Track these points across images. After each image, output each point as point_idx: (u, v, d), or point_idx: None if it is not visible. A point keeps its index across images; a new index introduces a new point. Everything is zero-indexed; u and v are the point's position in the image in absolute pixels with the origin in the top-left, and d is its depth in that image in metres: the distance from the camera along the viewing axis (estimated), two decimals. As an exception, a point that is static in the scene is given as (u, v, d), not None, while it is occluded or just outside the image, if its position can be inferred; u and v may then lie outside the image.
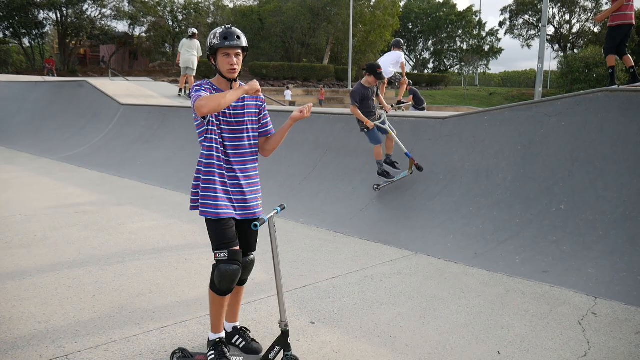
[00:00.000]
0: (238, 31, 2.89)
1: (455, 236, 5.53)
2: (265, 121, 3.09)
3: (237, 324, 3.26)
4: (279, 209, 3.03)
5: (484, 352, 3.22)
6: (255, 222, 2.85)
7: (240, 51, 2.88)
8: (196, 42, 13.95)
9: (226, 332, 3.23)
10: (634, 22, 7.66)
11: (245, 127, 2.97)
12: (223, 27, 2.89)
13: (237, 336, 3.19)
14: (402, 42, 10.73)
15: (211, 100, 2.68)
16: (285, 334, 2.86)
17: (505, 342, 3.36)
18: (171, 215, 6.62)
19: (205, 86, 2.88)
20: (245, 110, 2.97)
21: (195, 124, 2.97)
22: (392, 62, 10.03)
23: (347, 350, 3.21)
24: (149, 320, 3.57)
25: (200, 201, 2.93)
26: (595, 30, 55.72)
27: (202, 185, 2.92)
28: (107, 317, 3.58)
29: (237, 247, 2.92)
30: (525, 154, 5.94)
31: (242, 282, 3.15)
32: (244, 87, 2.83)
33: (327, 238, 5.75)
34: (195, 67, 14.07)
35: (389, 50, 10.43)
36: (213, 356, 2.90)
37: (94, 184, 8.70)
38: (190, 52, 13.84)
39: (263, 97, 3.09)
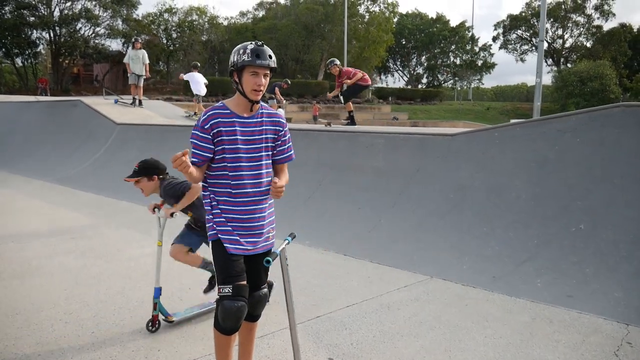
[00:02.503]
0: (270, 50, 2.65)
1: (471, 258, 5.29)
2: (284, 147, 2.82)
3: None
4: (289, 239, 2.79)
5: (520, 391, 2.97)
6: (268, 258, 2.59)
7: (268, 72, 2.64)
8: (141, 52, 14.63)
9: None
10: None
11: (260, 154, 2.72)
12: (253, 43, 2.64)
13: None
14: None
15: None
16: None
17: (540, 379, 3.11)
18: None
19: (207, 125, 2.62)
20: (263, 136, 2.72)
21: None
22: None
23: (372, 392, 2.94)
24: (154, 358, 3.30)
25: (216, 228, 2.68)
26: (588, 45, 56.26)
27: (215, 216, 2.68)
28: (108, 357, 3.31)
29: (244, 282, 2.67)
30: (540, 171, 5.73)
31: (254, 318, 2.89)
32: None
33: (336, 262, 5.50)
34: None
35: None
36: None
37: (90, 207, 8.41)
38: (139, 61, 14.46)
39: (283, 120, 2.83)
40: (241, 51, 2.61)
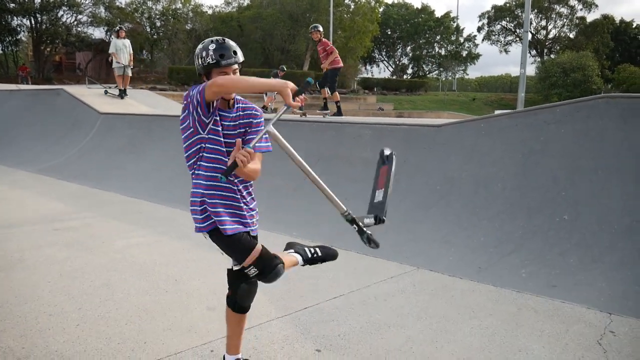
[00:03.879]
0: (233, 44, 2.58)
1: (458, 249, 5.32)
2: (254, 134, 2.70)
3: (240, 355, 2.99)
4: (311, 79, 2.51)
5: (506, 381, 3.00)
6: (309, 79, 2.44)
7: (236, 67, 2.59)
8: (127, 41, 14.51)
9: None
10: None
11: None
12: (214, 40, 2.56)
13: None
14: None
15: (242, 80, 2.45)
16: (351, 221, 2.95)
17: (526, 368, 3.15)
18: (160, 231, 6.29)
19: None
20: (237, 131, 2.68)
21: (185, 134, 2.63)
22: None
23: (360, 383, 2.96)
24: (140, 351, 3.27)
25: (214, 218, 2.65)
26: (571, 36, 56.68)
27: (208, 201, 2.64)
28: (94, 350, 3.28)
29: (260, 247, 2.76)
30: (526, 162, 5.78)
31: (243, 309, 2.87)
32: (279, 84, 2.41)
33: (323, 253, 5.49)
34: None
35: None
36: None
37: (74, 198, 8.31)
38: (125, 51, 14.30)
39: (260, 112, 2.76)
40: (204, 53, 2.54)
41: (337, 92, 11.20)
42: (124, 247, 5.55)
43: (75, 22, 44.26)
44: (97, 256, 5.25)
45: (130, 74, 14.76)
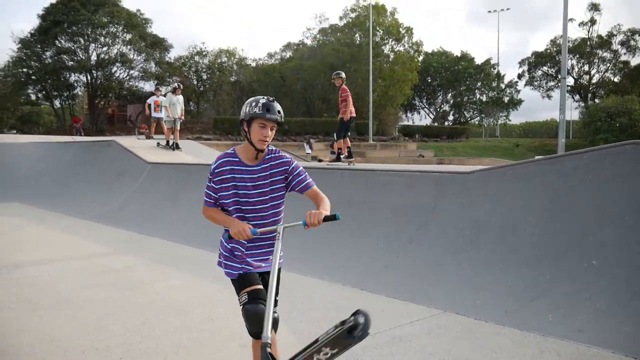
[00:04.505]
0: (279, 107, 2.93)
1: (485, 293, 5.40)
2: (298, 179, 3.06)
3: None
4: (304, 222, 2.86)
5: (522, 420, 3.09)
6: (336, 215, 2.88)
7: (275, 125, 2.93)
8: (181, 97, 15.80)
9: None
10: None
11: (266, 197, 3.02)
12: (266, 97, 2.93)
13: None
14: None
15: (209, 217, 3.09)
16: (263, 346, 2.65)
17: (543, 408, 3.22)
18: (197, 274, 6.63)
19: (218, 170, 2.98)
20: (269, 180, 3.01)
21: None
22: None
23: (378, 417, 3.10)
24: (175, 384, 3.52)
25: (223, 262, 3.06)
26: (616, 80, 55.85)
27: (222, 248, 3.05)
28: (133, 382, 3.54)
29: (259, 286, 2.94)
30: (552, 208, 5.86)
31: (256, 335, 3.09)
32: (233, 227, 2.85)
33: (353, 296, 5.67)
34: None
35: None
36: None
37: (119, 242, 8.79)
38: (178, 106, 15.52)
39: (289, 157, 3.10)
40: (253, 104, 2.90)
41: (341, 141, 11.75)
42: (163, 289, 5.89)
43: (127, 77, 46.86)
44: (138, 296, 5.59)
45: (178, 127, 15.73)
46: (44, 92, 46.15)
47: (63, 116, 47.31)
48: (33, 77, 44.31)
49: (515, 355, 4.05)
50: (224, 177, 2.97)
